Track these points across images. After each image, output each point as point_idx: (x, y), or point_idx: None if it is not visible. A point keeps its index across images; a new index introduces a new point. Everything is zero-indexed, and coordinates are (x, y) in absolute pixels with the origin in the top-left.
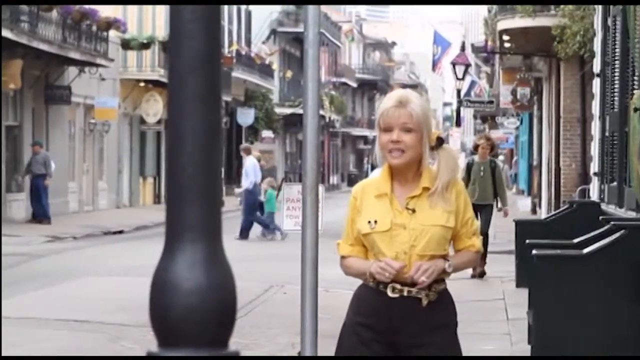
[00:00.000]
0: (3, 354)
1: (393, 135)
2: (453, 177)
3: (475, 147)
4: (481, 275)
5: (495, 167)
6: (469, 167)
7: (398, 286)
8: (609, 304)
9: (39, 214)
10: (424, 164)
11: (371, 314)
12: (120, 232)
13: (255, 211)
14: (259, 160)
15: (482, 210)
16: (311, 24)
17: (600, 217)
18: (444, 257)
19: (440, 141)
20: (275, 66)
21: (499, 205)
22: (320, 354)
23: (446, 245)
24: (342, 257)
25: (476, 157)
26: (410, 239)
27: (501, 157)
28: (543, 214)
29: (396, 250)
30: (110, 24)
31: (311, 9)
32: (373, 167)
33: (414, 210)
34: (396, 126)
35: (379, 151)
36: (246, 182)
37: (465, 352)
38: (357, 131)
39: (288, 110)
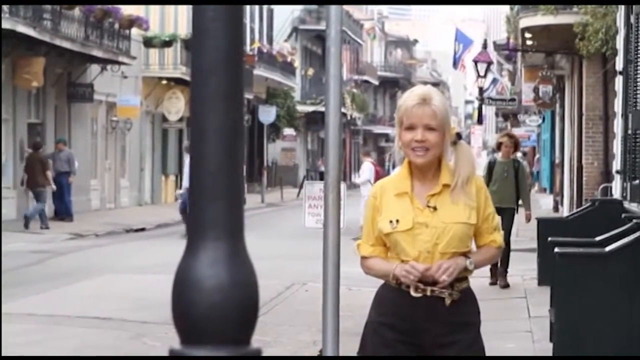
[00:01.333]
0: (9, 354)
1: (417, 135)
2: (472, 171)
3: (498, 146)
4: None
5: (519, 167)
6: (491, 166)
7: (421, 285)
8: (631, 303)
9: (62, 212)
10: (443, 161)
11: (394, 314)
12: (142, 229)
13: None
14: None
15: (502, 214)
16: (333, 22)
17: (623, 215)
18: (466, 254)
19: (459, 136)
20: (297, 64)
21: (521, 205)
22: (342, 352)
23: (469, 242)
24: (363, 258)
25: (498, 157)
26: (433, 238)
27: (519, 155)
28: (565, 211)
29: (419, 249)
30: (132, 22)
31: (333, 7)
32: (394, 166)
33: (435, 208)
34: (420, 125)
35: (400, 149)
36: (186, 182)
37: (487, 350)
38: (378, 129)
39: (310, 108)
